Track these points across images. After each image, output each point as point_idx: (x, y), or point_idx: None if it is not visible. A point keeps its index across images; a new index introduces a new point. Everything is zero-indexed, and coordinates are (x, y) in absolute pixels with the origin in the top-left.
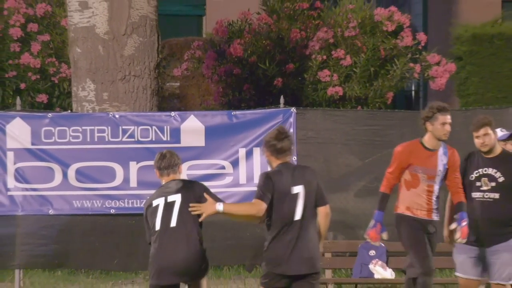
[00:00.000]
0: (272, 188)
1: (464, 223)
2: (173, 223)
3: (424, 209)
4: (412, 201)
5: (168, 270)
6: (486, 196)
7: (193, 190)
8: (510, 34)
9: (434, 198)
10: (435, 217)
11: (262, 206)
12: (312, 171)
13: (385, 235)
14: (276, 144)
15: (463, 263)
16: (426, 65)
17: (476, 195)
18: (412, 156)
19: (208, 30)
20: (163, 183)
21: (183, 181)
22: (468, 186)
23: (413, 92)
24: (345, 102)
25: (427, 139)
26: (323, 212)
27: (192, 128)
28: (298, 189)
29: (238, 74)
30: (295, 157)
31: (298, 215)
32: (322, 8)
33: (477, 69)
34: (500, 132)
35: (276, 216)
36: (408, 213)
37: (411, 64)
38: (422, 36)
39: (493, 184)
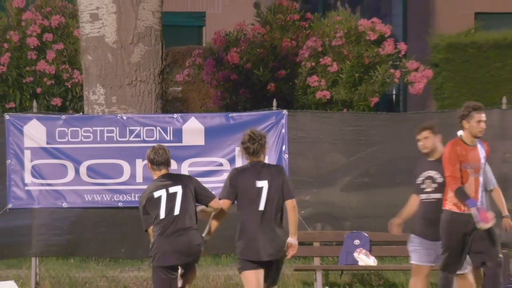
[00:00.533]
0: (235, 183)
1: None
2: (177, 211)
3: None
4: None
5: (174, 252)
6: (430, 197)
7: (191, 182)
8: (482, 43)
9: (480, 190)
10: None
11: (225, 205)
12: (279, 169)
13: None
14: (249, 146)
15: (417, 252)
16: (406, 71)
17: (422, 196)
18: (459, 154)
19: (207, 39)
20: (155, 177)
21: (178, 174)
22: (417, 189)
23: (394, 96)
24: (332, 105)
25: (465, 136)
26: (289, 205)
27: (193, 128)
28: (262, 184)
29: (234, 79)
30: (287, 155)
31: (261, 206)
32: (312, 19)
33: (452, 75)
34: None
35: (242, 207)
36: (455, 209)
37: (392, 71)
38: (402, 45)
39: (435, 185)
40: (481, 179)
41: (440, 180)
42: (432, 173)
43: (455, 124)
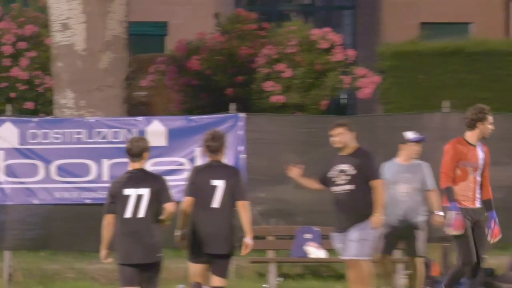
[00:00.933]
0: (194, 181)
1: (493, 225)
2: (141, 214)
3: (470, 199)
4: (460, 194)
5: (133, 252)
6: (342, 189)
7: (157, 184)
8: (425, 51)
9: (478, 188)
10: (478, 204)
11: (189, 202)
12: (235, 170)
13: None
14: (210, 145)
15: (343, 248)
16: (355, 77)
17: (335, 189)
18: (460, 152)
19: (170, 48)
20: (130, 168)
21: (150, 174)
22: (329, 182)
23: (344, 100)
24: (286, 108)
25: (470, 136)
26: (240, 205)
27: (156, 130)
28: (218, 183)
29: (195, 85)
30: (245, 155)
31: (215, 204)
32: (267, 29)
33: (398, 81)
34: (412, 135)
35: (197, 203)
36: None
37: (342, 76)
38: (351, 53)
39: (347, 177)
40: (478, 178)
41: (352, 172)
42: (344, 166)
43: (400, 126)
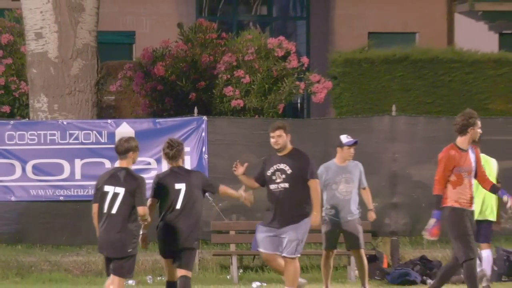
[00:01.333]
0: (157, 186)
1: (507, 197)
2: (114, 210)
3: (467, 201)
4: (459, 197)
5: (102, 245)
6: (279, 187)
7: (133, 185)
8: (374, 58)
9: (472, 189)
10: (473, 207)
11: (153, 203)
12: (197, 174)
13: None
14: (168, 152)
15: (263, 240)
16: (309, 83)
17: (272, 186)
18: (454, 158)
19: (137, 55)
20: (117, 165)
21: (130, 174)
22: (267, 180)
23: (298, 104)
24: (246, 112)
25: (461, 142)
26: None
27: (125, 132)
28: (180, 186)
29: (160, 90)
30: (207, 155)
31: (179, 205)
32: (227, 38)
33: (349, 86)
34: (346, 139)
35: (162, 205)
36: (457, 205)
37: (297, 82)
38: (305, 60)
39: (284, 176)
40: (473, 180)
41: (288, 172)
42: (282, 166)
43: (351, 129)
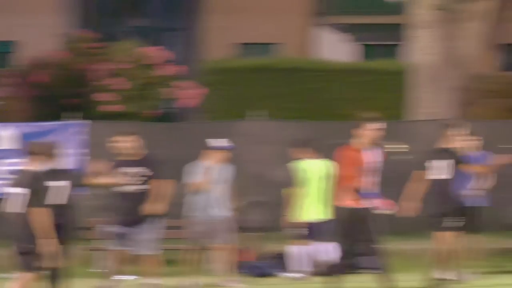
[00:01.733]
0: (36, 183)
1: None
2: (64, 201)
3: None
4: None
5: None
6: (133, 189)
7: (31, 185)
8: (242, 68)
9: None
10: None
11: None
12: (69, 172)
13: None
14: (48, 153)
15: (120, 238)
16: (181, 89)
17: (126, 188)
18: (353, 157)
19: (19, 63)
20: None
21: (28, 175)
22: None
23: (171, 109)
24: (123, 116)
25: (357, 142)
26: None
27: (12, 135)
28: (62, 183)
29: (43, 95)
30: (90, 156)
31: (63, 201)
32: (104, 47)
33: (219, 92)
34: (217, 143)
35: (47, 201)
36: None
37: (169, 89)
38: (177, 68)
39: (138, 179)
40: (375, 178)
41: (143, 174)
42: (136, 169)
43: (221, 132)
